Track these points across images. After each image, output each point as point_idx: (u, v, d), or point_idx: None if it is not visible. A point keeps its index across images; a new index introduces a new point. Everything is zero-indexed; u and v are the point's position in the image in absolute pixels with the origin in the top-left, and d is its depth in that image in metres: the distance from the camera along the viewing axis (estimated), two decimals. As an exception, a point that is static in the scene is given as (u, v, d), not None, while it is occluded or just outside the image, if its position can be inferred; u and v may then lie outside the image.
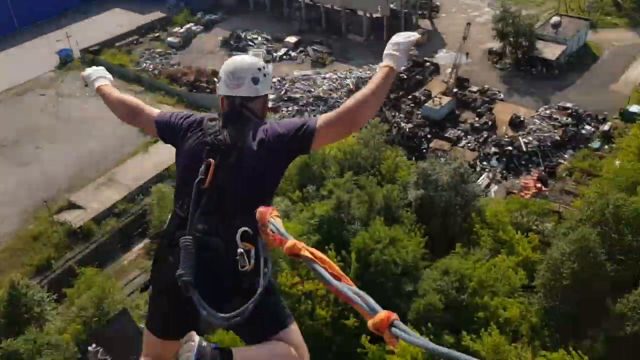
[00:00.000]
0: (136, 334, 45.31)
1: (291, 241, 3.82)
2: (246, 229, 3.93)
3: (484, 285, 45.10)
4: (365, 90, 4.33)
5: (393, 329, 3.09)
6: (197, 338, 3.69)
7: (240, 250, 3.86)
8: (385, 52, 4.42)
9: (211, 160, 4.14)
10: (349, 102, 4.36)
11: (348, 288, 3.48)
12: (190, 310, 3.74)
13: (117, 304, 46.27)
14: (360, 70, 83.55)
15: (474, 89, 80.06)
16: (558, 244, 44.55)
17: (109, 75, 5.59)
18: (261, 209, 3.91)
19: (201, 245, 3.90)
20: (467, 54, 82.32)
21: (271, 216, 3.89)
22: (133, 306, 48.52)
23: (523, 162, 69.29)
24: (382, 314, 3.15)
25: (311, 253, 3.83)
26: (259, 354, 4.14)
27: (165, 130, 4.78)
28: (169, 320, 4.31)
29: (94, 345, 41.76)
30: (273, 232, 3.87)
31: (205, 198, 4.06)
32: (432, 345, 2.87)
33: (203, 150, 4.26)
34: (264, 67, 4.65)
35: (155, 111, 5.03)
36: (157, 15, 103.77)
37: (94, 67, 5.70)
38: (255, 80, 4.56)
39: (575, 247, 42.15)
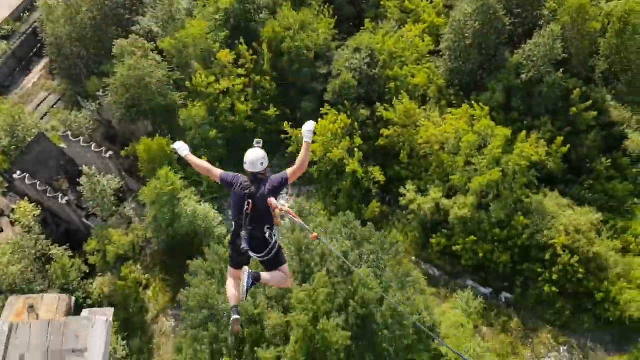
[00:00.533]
0: (57, 154, 45.28)
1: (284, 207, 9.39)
2: (268, 225, 9.19)
3: (394, 56, 46.77)
4: (303, 155, 9.53)
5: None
6: (246, 268, 8.99)
7: (266, 233, 9.13)
8: (303, 135, 9.48)
9: (250, 200, 9.15)
10: (298, 162, 9.51)
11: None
12: (246, 258, 9.31)
13: (31, 129, 45.05)
14: None
15: None
16: (461, 6, 45.63)
17: (187, 146, 10.28)
18: (273, 204, 9.21)
19: (250, 234, 9.05)
20: None
21: (277, 208, 9.27)
22: (49, 128, 47.47)
23: None
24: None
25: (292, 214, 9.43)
26: (272, 274, 9.46)
27: (225, 184, 9.62)
28: (238, 262, 9.48)
29: (18, 173, 41.76)
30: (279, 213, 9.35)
31: (249, 216, 9.08)
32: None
33: (245, 195, 9.22)
34: (264, 157, 9.57)
35: (219, 171, 9.87)
36: None
37: (179, 143, 10.31)
38: (262, 163, 9.51)
39: (477, 5, 43.47)
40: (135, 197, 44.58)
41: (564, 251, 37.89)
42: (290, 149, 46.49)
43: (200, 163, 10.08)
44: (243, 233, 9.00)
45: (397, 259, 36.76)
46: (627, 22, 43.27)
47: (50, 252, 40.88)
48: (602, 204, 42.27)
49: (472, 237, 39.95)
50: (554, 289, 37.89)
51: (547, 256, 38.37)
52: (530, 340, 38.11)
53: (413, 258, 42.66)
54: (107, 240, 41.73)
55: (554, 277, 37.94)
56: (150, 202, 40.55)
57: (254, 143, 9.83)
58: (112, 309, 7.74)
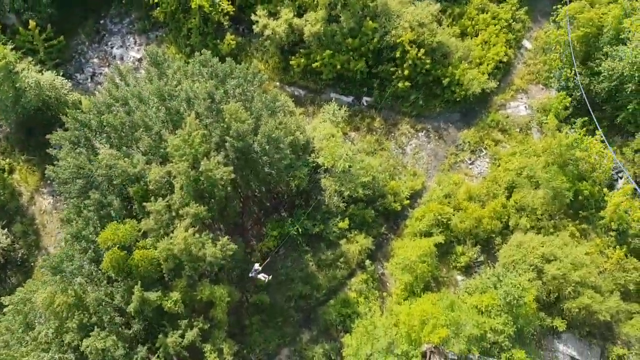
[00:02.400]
0: None
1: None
2: None
3: None
4: None
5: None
6: None
7: None
8: None
9: None
10: None
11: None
12: None
13: None
14: None
15: None
16: None
17: None
18: None
19: None
20: None
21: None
22: None
23: None
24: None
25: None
26: None
27: None
28: None
29: None
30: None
31: None
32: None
33: None
34: None
35: None
36: None
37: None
38: None
39: None
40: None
41: (412, 46, 40.74)
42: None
43: None
44: None
45: (262, 87, 37.82)
46: None
47: None
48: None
49: (328, 51, 41.47)
50: (407, 83, 41.46)
51: (398, 54, 41.12)
52: (393, 133, 42.50)
53: (277, 83, 43.97)
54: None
55: (406, 72, 41.25)
56: (-16, 83, 37.25)
57: None
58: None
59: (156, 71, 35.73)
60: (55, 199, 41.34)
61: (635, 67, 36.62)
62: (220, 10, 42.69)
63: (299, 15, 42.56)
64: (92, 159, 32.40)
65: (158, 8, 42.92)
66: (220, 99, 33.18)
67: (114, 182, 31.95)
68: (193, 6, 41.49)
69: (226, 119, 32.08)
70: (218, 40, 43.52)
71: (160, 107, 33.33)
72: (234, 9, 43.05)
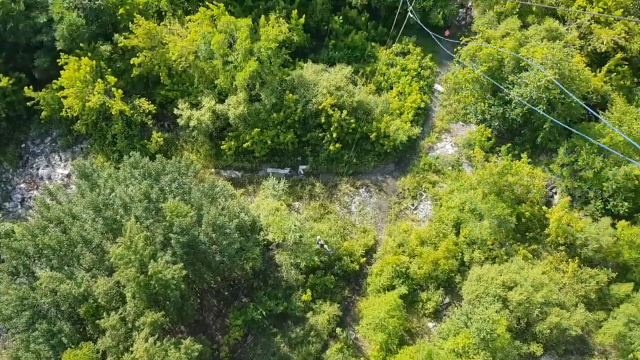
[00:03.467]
0: None
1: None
2: None
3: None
4: None
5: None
6: None
7: None
8: None
9: None
10: None
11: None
12: None
13: None
14: None
15: None
16: None
17: None
18: None
19: None
20: None
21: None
22: None
23: None
24: None
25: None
26: None
27: None
28: None
29: None
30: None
31: None
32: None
33: None
34: None
35: None
36: None
37: None
38: None
39: None
40: None
41: (334, 110, 42.11)
42: (43, 113, 42.96)
43: None
44: None
45: (198, 177, 37.71)
46: None
47: None
48: (348, 57, 47.15)
49: (256, 129, 42.18)
50: (337, 145, 42.50)
51: (323, 119, 42.33)
52: (335, 195, 43.08)
53: (212, 170, 44.04)
54: None
55: (334, 135, 42.41)
56: None
57: None
58: None
59: (87, 184, 35.07)
60: (3, 337, 38.72)
61: (541, 89, 39.30)
62: (141, 111, 42.90)
63: (221, 101, 43.37)
64: (34, 286, 30.85)
65: (79, 121, 42.64)
66: (157, 198, 32.79)
67: (62, 308, 30.40)
68: (114, 112, 41.50)
69: (167, 217, 31.62)
70: (145, 140, 43.49)
71: (96, 219, 32.52)
72: (155, 108, 43.37)
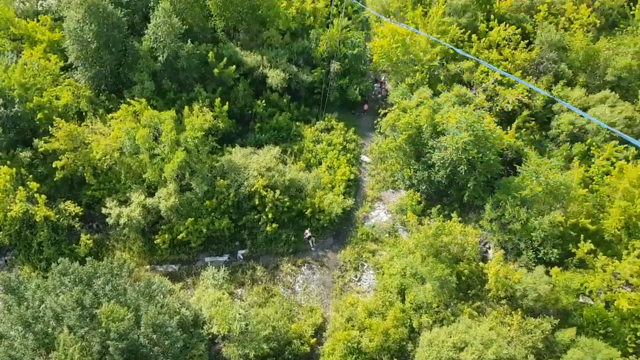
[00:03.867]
0: None
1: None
2: None
3: (27, 87, 43.26)
4: None
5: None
6: None
7: None
8: None
9: None
10: None
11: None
12: None
13: None
14: None
15: None
16: (70, 14, 44.12)
17: None
18: None
19: None
20: None
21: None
22: None
23: None
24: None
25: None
26: None
27: None
28: None
29: None
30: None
31: None
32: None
33: None
34: None
35: None
36: None
37: None
38: None
39: (85, 8, 42.54)
40: None
41: (267, 191, 42.35)
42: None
43: None
44: None
45: (132, 276, 36.24)
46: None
47: None
48: (275, 138, 48.16)
49: (190, 219, 41.56)
50: (274, 225, 42.45)
51: (257, 201, 42.38)
52: (278, 277, 42.48)
53: (147, 267, 42.51)
54: None
55: (270, 215, 42.42)
56: None
57: None
58: None
59: (13, 298, 32.87)
60: None
61: (459, 151, 41.46)
62: (68, 215, 41.42)
63: (151, 194, 42.68)
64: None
65: (0, 233, 40.51)
66: (91, 303, 31.16)
67: None
68: (38, 219, 39.79)
69: (103, 323, 29.99)
70: (74, 244, 41.70)
71: (26, 335, 30.30)
72: (82, 209, 42.03)
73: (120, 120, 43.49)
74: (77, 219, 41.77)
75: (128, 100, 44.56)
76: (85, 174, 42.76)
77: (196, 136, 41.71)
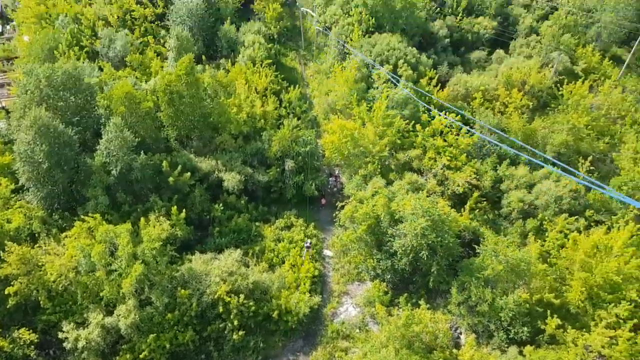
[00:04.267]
0: None
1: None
2: None
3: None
4: None
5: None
6: None
7: None
8: None
9: None
10: None
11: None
12: None
13: None
14: None
15: None
16: (20, 136, 44.08)
17: None
18: None
19: None
20: None
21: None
22: None
23: None
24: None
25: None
26: None
27: None
28: None
29: None
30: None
31: None
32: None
33: None
34: None
35: None
36: None
37: None
38: None
39: (35, 129, 42.61)
40: None
41: (230, 296, 41.34)
42: None
43: None
44: None
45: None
46: (171, 90, 49.28)
47: None
48: (236, 240, 47.76)
49: (152, 335, 39.83)
50: (241, 333, 41.00)
51: (221, 309, 41.19)
52: (248, 386, 40.64)
53: (109, 393, 39.93)
54: None
55: (235, 323, 41.08)
56: None
57: None
58: None
59: None
60: None
61: (419, 236, 42.05)
62: (22, 343, 39.04)
63: (109, 313, 40.91)
64: None
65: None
66: None
67: None
68: (-12, 352, 37.33)
69: None
70: (29, 375, 39.00)
71: None
72: (37, 336, 39.71)
73: (75, 238, 42.43)
74: (32, 347, 39.38)
75: (82, 217, 43.78)
76: (39, 298, 40.84)
77: (154, 247, 40.99)
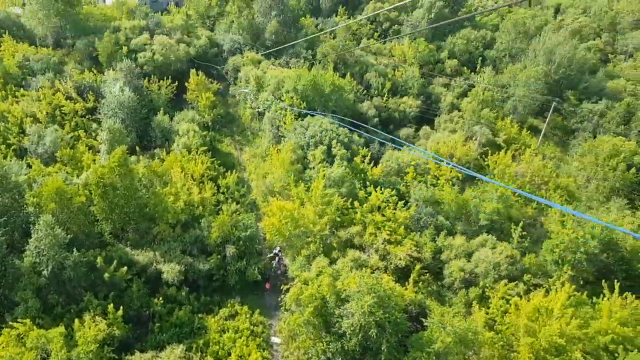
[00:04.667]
0: None
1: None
2: None
3: None
4: None
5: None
6: None
7: None
8: None
9: None
10: None
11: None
12: None
13: None
14: None
15: None
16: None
17: None
18: None
19: None
20: None
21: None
22: None
23: None
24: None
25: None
26: None
27: None
28: None
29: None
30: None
31: None
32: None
33: None
34: None
35: None
36: None
37: None
38: None
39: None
40: None
41: (175, 397, 38.98)
42: None
43: None
44: None
45: None
46: (104, 183, 48.27)
47: None
48: (178, 335, 45.53)
49: None
50: None
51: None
52: None
53: None
54: None
55: None
56: None
57: None
58: None
59: None
60: None
61: (366, 314, 41.67)
62: None
63: None
64: None
65: None
66: None
67: None
68: None
69: None
70: None
71: None
72: None
73: (3, 348, 39.19)
74: None
75: (10, 323, 40.75)
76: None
77: (90, 350, 38.59)
